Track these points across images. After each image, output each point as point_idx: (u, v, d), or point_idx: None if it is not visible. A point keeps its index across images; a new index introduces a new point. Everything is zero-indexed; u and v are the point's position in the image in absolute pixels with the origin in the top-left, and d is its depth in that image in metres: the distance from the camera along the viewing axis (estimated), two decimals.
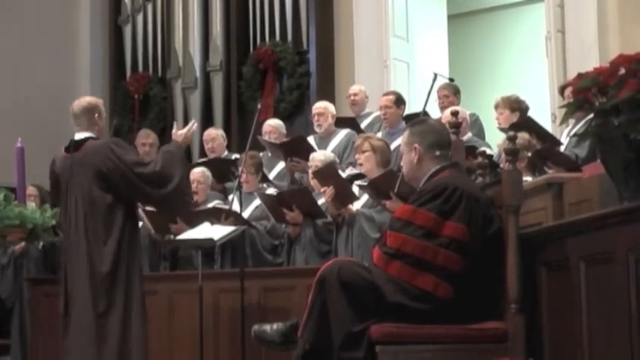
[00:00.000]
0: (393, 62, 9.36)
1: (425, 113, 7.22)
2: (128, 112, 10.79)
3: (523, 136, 5.66)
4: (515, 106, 6.80)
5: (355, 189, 6.43)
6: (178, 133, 5.45)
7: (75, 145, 5.28)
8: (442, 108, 7.67)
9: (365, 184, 6.24)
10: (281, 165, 7.68)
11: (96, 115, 5.34)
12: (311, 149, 7.15)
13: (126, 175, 5.14)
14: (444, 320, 3.66)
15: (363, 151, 6.31)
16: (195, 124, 5.60)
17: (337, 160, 7.06)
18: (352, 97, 8.31)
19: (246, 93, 10.04)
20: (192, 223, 6.42)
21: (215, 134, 8.40)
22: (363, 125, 7.98)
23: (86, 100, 5.46)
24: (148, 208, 6.56)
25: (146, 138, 8.26)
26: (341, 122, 7.88)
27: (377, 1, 9.40)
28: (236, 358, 6.02)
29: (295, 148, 7.22)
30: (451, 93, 7.79)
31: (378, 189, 6.02)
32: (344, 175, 6.90)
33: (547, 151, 5.72)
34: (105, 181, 5.15)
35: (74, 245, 5.19)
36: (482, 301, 3.74)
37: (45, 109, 10.11)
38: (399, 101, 7.68)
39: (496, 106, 6.89)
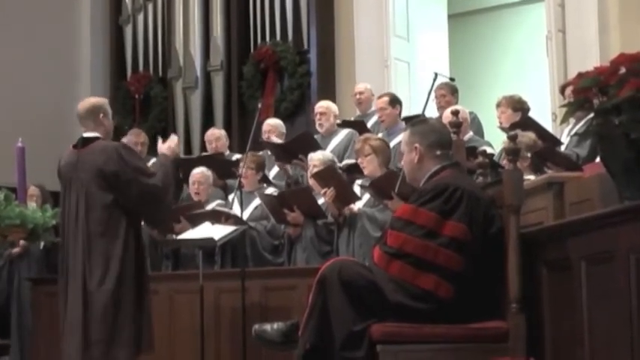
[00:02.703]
0: (393, 62, 9.36)
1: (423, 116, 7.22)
2: (129, 111, 10.79)
3: (529, 136, 5.63)
4: (518, 106, 6.79)
5: (357, 189, 6.42)
6: (165, 146, 5.43)
7: (83, 142, 5.29)
8: (439, 107, 7.68)
9: (366, 184, 6.24)
10: None
11: (100, 115, 5.32)
12: (317, 146, 7.11)
13: (129, 180, 5.14)
14: (444, 320, 3.65)
15: (365, 155, 6.30)
16: (177, 138, 5.68)
17: (336, 160, 7.03)
18: (358, 96, 8.29)
19: (246, 93, 10.04)
20: (193, 223, 6.42)
21: (219, 134, 8.50)
22: (370, 123, 7.97)
23: (90, 101, 5.43)
24: None
25: (137, 137, 8.28)
26: (347, 125, 7.85)
27: (377, 0, 9.40)
28: (237, 357, 6.02)
29: (301, 145, 7.16)
30: (448, 92, 7.78)
31: (380, 189, 6.02)
32: (342, 164, 6.90)
33: (547, 151, 5.71)
34: (105, 181, 5.15)
35: (72, 241, 5.19)
36: (483, 301, 3.73)
37: (45, 109, 10.13)
38: (394, 101, 7.69)
39: (498, 105, 6.87)
